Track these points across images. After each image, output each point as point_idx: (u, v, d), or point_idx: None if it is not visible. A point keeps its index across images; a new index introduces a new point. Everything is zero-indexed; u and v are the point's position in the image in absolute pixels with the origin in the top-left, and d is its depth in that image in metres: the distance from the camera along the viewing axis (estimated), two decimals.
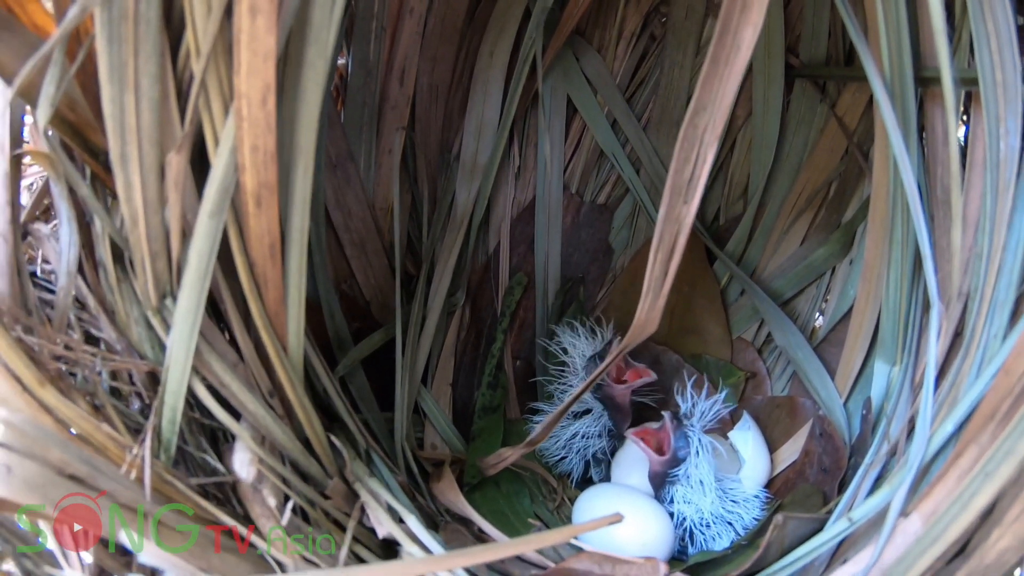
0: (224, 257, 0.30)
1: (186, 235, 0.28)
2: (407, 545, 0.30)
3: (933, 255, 0.32)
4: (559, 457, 0.49)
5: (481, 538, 0.38)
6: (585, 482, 0.50)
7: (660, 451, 0.43)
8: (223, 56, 0.26)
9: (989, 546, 0.24)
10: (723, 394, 0.46)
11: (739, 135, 0.53)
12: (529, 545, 0.26)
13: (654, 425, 0.45)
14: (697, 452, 0.42)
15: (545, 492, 0.49)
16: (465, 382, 0.52)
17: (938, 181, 0.37)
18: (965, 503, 0.24)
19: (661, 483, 0.44)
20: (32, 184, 0.44)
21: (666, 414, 0.42)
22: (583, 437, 0.48)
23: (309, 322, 0.39)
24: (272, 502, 0.29)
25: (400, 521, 0.32)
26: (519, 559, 0.35)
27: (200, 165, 0.29)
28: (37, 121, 0.26)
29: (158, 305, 0.29)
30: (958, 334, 0.36)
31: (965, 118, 0.40)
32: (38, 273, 0.38)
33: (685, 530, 0.44)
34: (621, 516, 0.31)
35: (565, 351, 0.49)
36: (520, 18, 0.50)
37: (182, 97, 0.27)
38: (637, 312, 0.31)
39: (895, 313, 0.39)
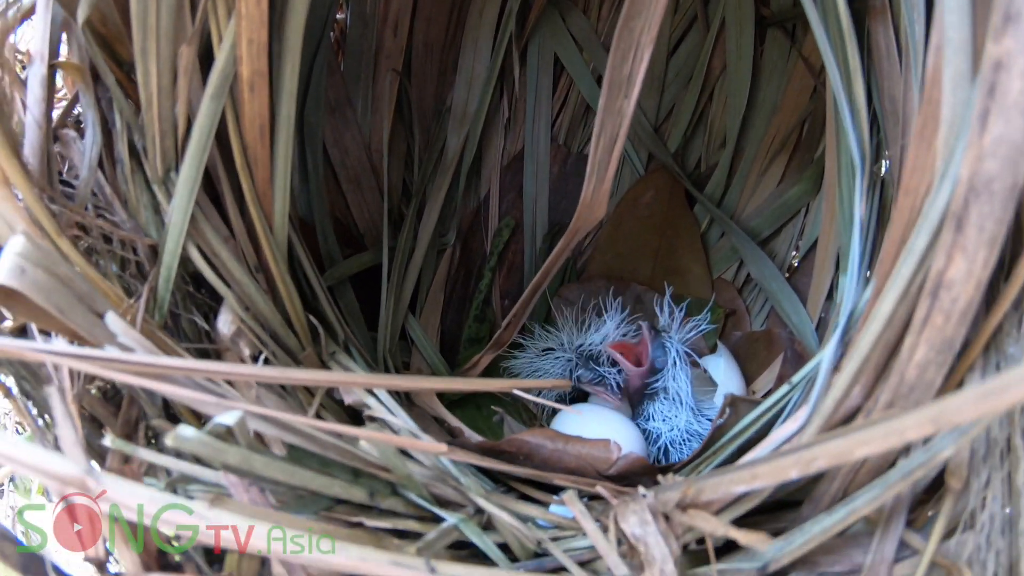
0: (222, 146, 0.35)
1: (190, 118, 0.33)
2: (370, 401, 0.34)
3: (853, 121, 0.35)
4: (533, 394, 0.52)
5: (452, 432, 0.42)
6: None
7: (638, 363, 0.46)
8: None
9: (905, 361, 0.23)
10: (705, 313, 0.49)
11: (716, 86, 0.57)
12: (470, 385, 0.30)
13: (632, 340, 0.48)
14: (675, 362, 0.45)
15: (525, 417, 0.52)
16: (454, 316, 0.56)
17: (886, 95, 0.40)
18: (871, 323, 0.25)
19: (640, 398, 0.47)
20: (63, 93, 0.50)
21: (643, 324, 0.45)
22: (548, 373, 0.51)
23: (303, 238, 0.44)
24: (247, 352, 0.33)
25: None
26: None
27: (205, 62, 0.34)
28: (77, 21, 0.32)
29: (163, 177, 0.34)
30: None
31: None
32: (64, 176, 0.44)
33: (660, 448, 0.47)
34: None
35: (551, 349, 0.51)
36: None
37: (194, 2, 0.33)
38: (581, 196, 0.35)
39: (850, 224, 0.42)
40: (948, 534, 0.24)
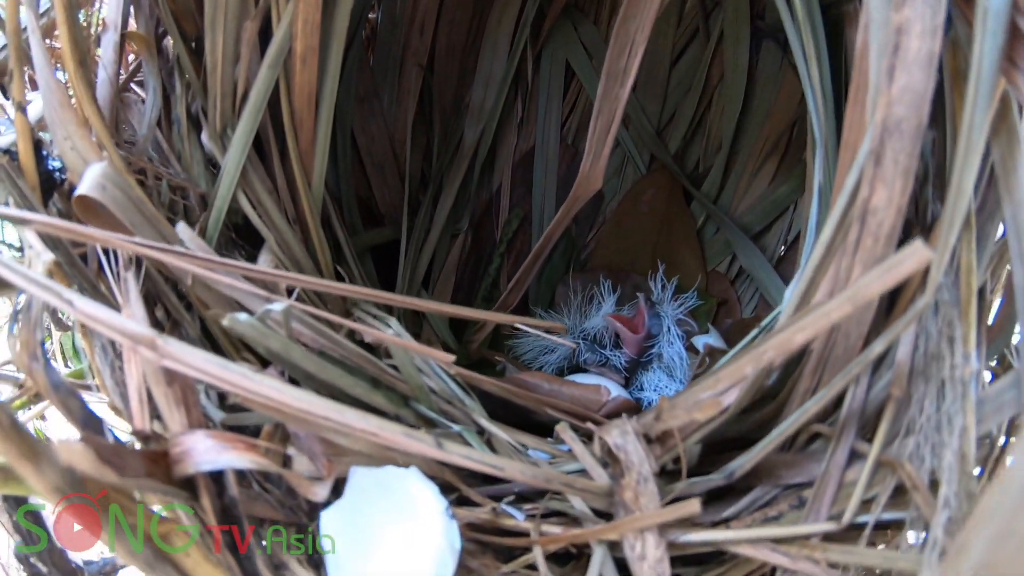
0: (272, 110, 0.42)
1: (248, 84, 0.40)
2: (389, 331, 0.40)
3: (812, 96, 0.41)
4: (536, 367, 0.58)
5: None
6: None
7: (635, 331, 0.51)
8: None
9: (843, 281, 0.27)
10: (693, 291, 0.55)
11: (715, 93, 0.64)
12: (473, 314, 0.36)
13: (628, 314, 0.54)
14: (668, 328, 0.50)
15: None
16: (464, 296, 0.62)
17: None
18: (816, 250, 0.30)
19: (635, 366, 0.52)
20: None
21: (640, 295, 0.51)
22: (551, 351, 0.57)
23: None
24: (284, 288, 0.39)
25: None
26: None
27: (264, 36, 0.41)
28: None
29: (220, 133, 0.40)
30: None
31: None
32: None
33: None
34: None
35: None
36: None
37: None
38: (580, 170, 0.41)
39: (823, 208, 0.47)
40: (891, 439, 0.29)
